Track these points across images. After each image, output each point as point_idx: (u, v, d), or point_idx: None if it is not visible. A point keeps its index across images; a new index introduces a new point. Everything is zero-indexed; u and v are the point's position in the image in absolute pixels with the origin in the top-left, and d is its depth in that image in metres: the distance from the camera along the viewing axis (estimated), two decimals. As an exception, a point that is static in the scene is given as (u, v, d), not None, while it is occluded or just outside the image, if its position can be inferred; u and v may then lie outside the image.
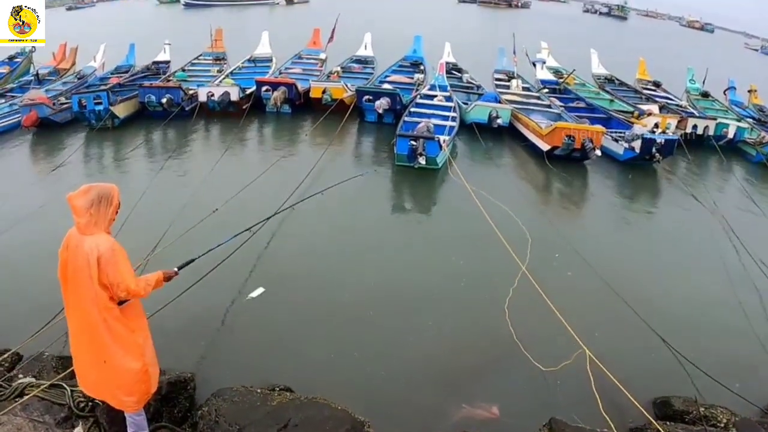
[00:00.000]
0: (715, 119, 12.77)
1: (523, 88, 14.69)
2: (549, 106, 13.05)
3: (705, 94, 16.23)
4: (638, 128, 10.97)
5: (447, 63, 15.64)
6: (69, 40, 16.33)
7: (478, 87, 14.66)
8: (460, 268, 6.62)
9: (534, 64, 17.22)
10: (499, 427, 4.35)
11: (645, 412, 4.06)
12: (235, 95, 12.02)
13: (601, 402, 3.98)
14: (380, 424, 4.03)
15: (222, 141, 10.93)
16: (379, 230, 7.67)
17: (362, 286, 6.12)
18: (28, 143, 10.70)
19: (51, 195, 7.48)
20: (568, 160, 10.46)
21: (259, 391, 4.08)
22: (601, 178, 10.29)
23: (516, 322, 5.25)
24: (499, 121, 11.60)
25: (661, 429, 3.86)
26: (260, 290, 5.72)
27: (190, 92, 12.27)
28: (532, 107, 13.02)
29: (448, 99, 12.44)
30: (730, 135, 12.39)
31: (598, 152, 10.15)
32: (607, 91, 15.66)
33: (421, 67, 16.11)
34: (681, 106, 14.66)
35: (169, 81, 13.28)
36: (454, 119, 11.03)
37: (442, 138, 9.54)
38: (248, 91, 12.49)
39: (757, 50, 53.08)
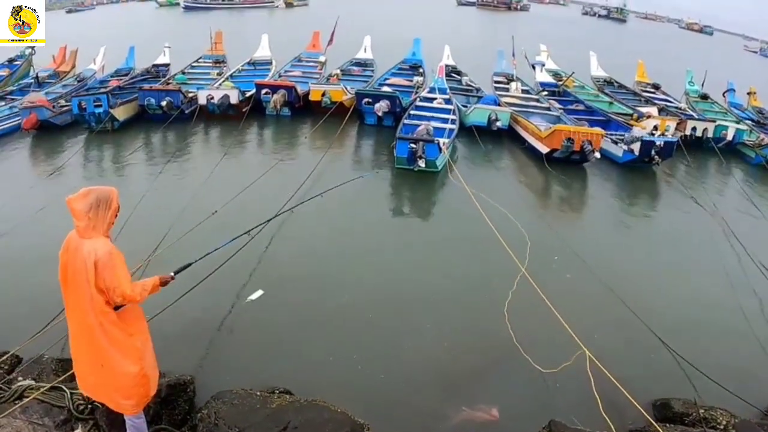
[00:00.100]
0: (714, 121, 12.77)
1: (523, 91, 14.70)
2: (548, 109, 13.06)
3: (704, 97, 16.25)
4: (637, 130, 11.00)
5: (446, 66, 15.62)
6: (69, 43, 16.39)
7: (478, 90, 14.68)
8: (460, 270, 6.63)
9: (533, 67, 17.22)
10: (498, 429, 4.35)
11: (645, 414, 4.06)
12: (234, 98, 12.04)
13: (601, 403, 3.97)
14: (380, 427, 4.03)
15: (221, 144, 10.94)
16: (378, 233, 7.68)
17: (362, 288, 6.13)
18: (28, 146, 10.71)
19: (50, 197, 7.48)
20: (568, 162, 10.47)
21: (258, 393, 4.07)
22: (601, 181, 10.30)
23: (515, 324, 5.25)
24: (498, 123, 11.62)
25: (661, 431, 3.86)
26: (259, 293, 5.72)
27: (190, 95, 12.29)
28: (531, 110, 13.03)
29: (448, 102, 12.46)
30: (729, 137, 12.40)
31: (597, 155, 10.16)
32: (607, 94, 15.67)
33: (421, 70, 16.14)
34: (680, 109, 14.69)
35: (168, 84, 13.31)
36: (453, 122, 11.04)
37: (441, 141, 9.55)
38: (248, 94, 12.50)
39: (756, 52, 53.19)
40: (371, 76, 15.75)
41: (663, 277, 6.90)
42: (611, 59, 20.41)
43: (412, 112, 11.68)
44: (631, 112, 13.50)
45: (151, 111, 11.76)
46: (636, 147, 10.36)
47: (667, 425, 4.17)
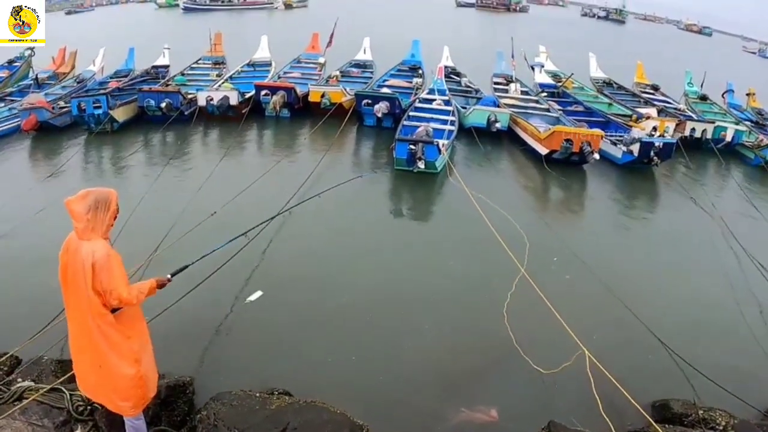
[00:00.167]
0: (713, 122, 12.81)
1: (522, 92, 14.73)
2: (547, 110, 13.08)
3: (703, 98, 16.28)
4: (636, 131, 11.01)
5: (446, 67, 15.66)
6: (68, 44, 16.40)
7: (477, 91, 14.70)
8: (459, 270, 6.64)
9: (532, 68, 17.27)
10: (497, 430, 4.35)
11: (645, 414, 4.06)
12: (234, 99, 12.04)
13: (601, 404, 3.97)
14: (379, 427, 4.03)
15: (221, 145, 10.95)
16: (378, 234, 7.68)
17: (361, 289, 6.13)
18: (28, 147, 10.71)
19: (50, 199, 7.47)
20: (567, 163, 10.48)
21: (257, 394, 4.07)
22: (600, 182, 10.30)
23: (515, 324, 5.25)
24: (497, 125, 11.63)
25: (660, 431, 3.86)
26: (258, 294, 5.72)
27: (189, 96, 12.30)
28: (530, 111, 13.05)
29: (447, 103, 12.48)
30: (729, 138, 12.41)
31: (597, 156, 10.18)
32: (606, 95, 15.69)
33: (420, 72, 16.17)
34: (679, 110, 14.73)
35: (168, 85, 13.32)
36: (452, 123, 11.06)
37: (441, 142, 9.56)
38: (247, 96, 12.50)
39: (755, 53, 53.37)
40: (370, 77, 15.77)
41: (662, 278, 6.91)
42: (610, 60, 20.45)
43: (411, 113, 11.69)
44: (630, 113, 13.53)
45: (151, 112, 11.76)
46: (635, 148, 10.37)
47: (667, 426, 4.16)
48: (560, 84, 15.67)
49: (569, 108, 13.69)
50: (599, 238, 8.16)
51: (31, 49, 15.39)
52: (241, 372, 4.68)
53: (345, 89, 12.63)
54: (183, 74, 15.00)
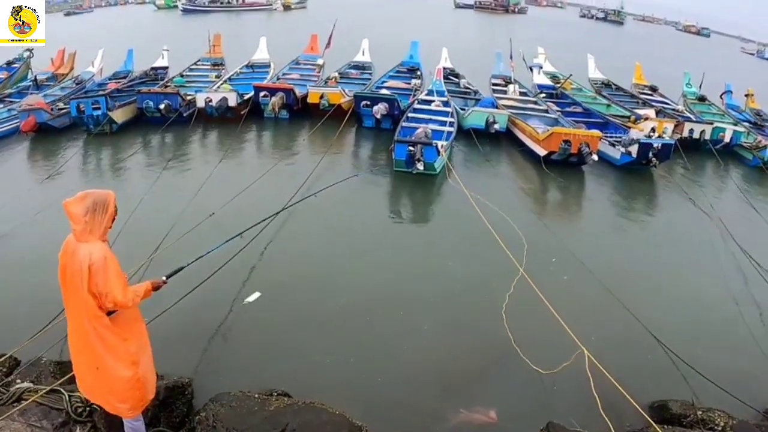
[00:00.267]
0: (711, 123, 12.82)
1: (520, 93, 14.72)
2: (546, 111, 13.09)
3: (702, 99, 16.29)
4: (635, 133, 11.02)
5: (444, 68, 15.67)
6: (67, 45, 16.38)
7: (476, 92, 14.70)
8: (458, 271, 6.64)
9: (531, 69, 17.26)
10: (497, 430, 4.35)
11: (644, 414, 4.06)
12: (233, 101, 12.05)
13: (600, 404, 3.97)
14: (378, 428, 4.03)
15: (220, 146, 10.95)
16: (377, 235, 7.68)
17: (360, 289, 6.13)
18: (26, 148, 10.70)
19: (49, 200, 7.46)
20: (565, 164, 10.49)
21: (256, 395, 4.07)
22: (598, 183, 10.31)
23: (514, 324, 5.25)
24: (496, 126, 11.63)
25: (659, 432, 3.87)
26: (257, 295, 5.70)
27: (188, 98, 12.30)
28: (529, 112, 13.06)
29: (446, 104, 12.49)
30: (727, 139, 12.45)
31: (595, 157, 10.19)
32: (604, 96, 15.67)
33: (418, 73, 16.16)
34: (678, 111, 14.73)
35: (167, 87, 13.33)
36: (451, 124, 11.07)
37: (439, 143, 9.57)
38: (246, 97, 12.51)
39: (753, 54, 53.49)
40: (369, 78, 15.76)
41: (661, 278, 6.92)
42: (609, 61, 20.47)
43: (410, 114, 11.70)
44: (628, 114, 13.53)
45: (150, 114, 11.77)
46: (634, 149, 10.39)
47: (666, 427, 4.17)
48: (559, 85, 15.67)
49: (568, 109, 13.70)
50: (598, 238, 8.16)
51: (30, 50, 15.42)
52: (240, 373, 4.68)
53: (344, 90, 12.64)
54: (182, 75, 14.99)
